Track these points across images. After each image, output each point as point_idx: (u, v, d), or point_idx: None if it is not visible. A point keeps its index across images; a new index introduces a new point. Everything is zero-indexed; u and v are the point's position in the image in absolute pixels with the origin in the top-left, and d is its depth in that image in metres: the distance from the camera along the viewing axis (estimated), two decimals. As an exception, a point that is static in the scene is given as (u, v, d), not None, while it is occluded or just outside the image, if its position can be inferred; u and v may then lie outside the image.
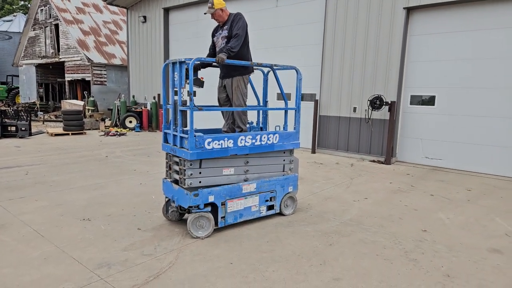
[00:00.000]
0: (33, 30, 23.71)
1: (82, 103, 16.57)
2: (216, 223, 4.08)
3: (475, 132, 7.65)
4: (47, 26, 22.45)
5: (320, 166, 8.01)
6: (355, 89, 8.96)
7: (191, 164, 3.86)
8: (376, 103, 8.39)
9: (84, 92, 20.44)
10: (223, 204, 4.11)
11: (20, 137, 11.29)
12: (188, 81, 3.90)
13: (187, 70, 3.88)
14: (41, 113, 19.95)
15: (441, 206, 5.31)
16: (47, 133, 12.57)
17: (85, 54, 19.31)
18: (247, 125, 4.94)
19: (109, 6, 23.45)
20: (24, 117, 11.99)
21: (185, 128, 4.00)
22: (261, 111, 5.23)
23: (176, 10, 13.50)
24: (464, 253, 3.74)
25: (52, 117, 18.73)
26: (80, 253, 3.51)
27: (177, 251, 3.61)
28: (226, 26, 4.56)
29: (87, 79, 19.85)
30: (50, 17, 21.98)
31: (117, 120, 14.58)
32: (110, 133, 12.68)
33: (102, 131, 13.62)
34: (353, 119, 9.06)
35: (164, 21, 13.72)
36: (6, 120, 11.55)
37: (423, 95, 8.31)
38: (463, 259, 3.60)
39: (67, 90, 21.88)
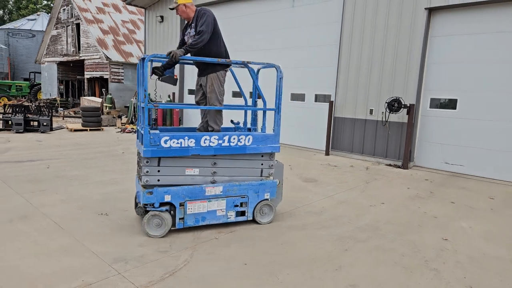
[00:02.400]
0: (56, 29, 24.27)
1: (100, 100, 16.88)
2: (174, 224, 3.95)
3: (499, 138, 7.42)
4: (68, 25, 22.95)
5: (334, 168, 7.92)
6: (372, 91, 8.83)
7: (147, 162, 3.79)
8: (394, 105, 8.25)
9: (102, 89, 20.81)
10: (182, 205, 3.94)
11: (42, 132, 11.60)
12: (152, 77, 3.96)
13: (155, 67, 4.00)
14: (61, 109, 20.42)
15: (463, 214, 5.17)
16: (67, 128, 12.84)
17: (104, 53, 19.65)
18: (226, 125, 4.74)
19: (128, 6, 23.78)
20: (46, 112, 12.29)
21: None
22: (249, 111, 4.95)
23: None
24: (487, 264, 3.62)
25: (71, 113, 19.13)
26: (98, 247, 3.56)
27: (191, 249, 3.61)
28: (193, 24, 4.33)
29: (105, 77, 20.20)
30: (72, 17, 22.46)
31: (133, 117, 14.79)
32: (126, 130, 12.86)
33: (118, 127, 13.84)
34: (369, 121, 8.93)
35: (181, 21, 13.81)
36: (29, 115, 11.87)
37: (444, 98, 8.11)
38: (486, 270, 3.49)
39: (86, 87, 22.31)
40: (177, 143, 3.85)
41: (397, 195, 5.99)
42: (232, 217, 4.24)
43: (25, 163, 7.06)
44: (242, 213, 4.31)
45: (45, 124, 11.70)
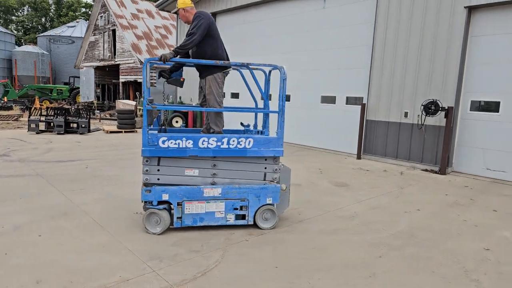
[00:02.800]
0: (93, 35, 25.40)
1: (134, 103, 17.45)
2: (172, 223, 4.03)
3: (544, 143, 6.99)
4: (105, 31, 23.95)
5: (366, 173, 7.75)
6: (407, 93, 8.56)
7: (146, 161, 3.94)
8: (431, 108, 7.96)
9: (136, 92, 21.51)
10: (179, 204, 4.00)
11: (80, 133, 12.18)
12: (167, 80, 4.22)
13: (162, 70, 4.23)
14: (98, 111, 21.29)
15: (506, 223, 4.89)
16: (103, 130, 13.38)
17: (138, 57, 20.33)
18: (229, 127, 4.69)
19: (161, 12, 24.52)
20: (84, 115, 12.88)
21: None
22: (258, 114, 4.88)
23: (224, 14, 13.79)
24: (531, 276, 3.41)
25: (107, 115, 19.91)
26: (133, 245, 3.68)
27: (222, 250, 3.65)
28: (190, 27, 4.38)
29: (138, 80, 20.88)
30: (108, 23, 23.42)
31: (165, 119, 15.18)
32: (160, 133, 13.20)
33: (152, 130, 14.21)
34: (404, 124, 8.66)
35: (212, 25, 14.06)
36: (69, 117, 12.50)
37: (485, 100, 7.73)
38: (530, 282, 3.29)
39: (121, 90, 23.17)
40: (175, 143, 3.92)
41: (434, 202, 5.76)
42: (231, 220, 4.18)
43: (66, 163, 7.42)
44: (243, 217, 4.23)
45: (83, 126, 12.27)
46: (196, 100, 14.94)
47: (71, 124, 12.45)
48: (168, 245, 3.72)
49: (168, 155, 3.93)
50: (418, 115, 8.31)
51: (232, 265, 3.35)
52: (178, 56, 4.20)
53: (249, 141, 4.11)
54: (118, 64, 22.64)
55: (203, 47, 4.32)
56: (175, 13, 15.48)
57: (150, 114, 4.21)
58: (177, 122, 14.66)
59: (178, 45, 4.19)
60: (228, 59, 4.51)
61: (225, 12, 13.60)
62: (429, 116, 8.06)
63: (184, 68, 4.75)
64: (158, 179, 4.00)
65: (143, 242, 3.76)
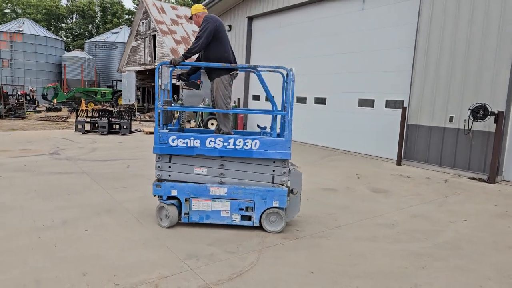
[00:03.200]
0: (135, 41, 26.50)
1: (173, 106, 17.91)
2: (180, 218, 4.18)
3: None
4: (146, 37, 24.91)
5: (407, 179, 7.46)
6: (453, 96, 8.16)
7: (159, 158, 4.14)
8: (479, 112, 7.54)
9: (174, 95, 22.13)
10: (187, 200, 4.12)
11: (122, 134, 12.74)
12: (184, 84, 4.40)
13: (181, 74, 4.61)
14: (138, 113, 22.13)
15: (561, 237, 4.53)
16: (143, 131, 13.89)
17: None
18: (235, 128, 4.73)
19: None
20: (126, 117, 13.46)
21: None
22: (277, 116, 4.82)
23: (260, 18, 13.89)
24: None
25: (146, 117, 20.65)
26: (172, 243, 3.79)
27: (258, 252, 3.66)
28: None
29: (177, 84, 21.48)
30: (149, 29, 24.35)
31: (201, 122, 15.51)
32: (196, 135, 13.51)
33: (189, 132, 14.57)
34: (449, 129, 8.26)
35: (248, 29, 14.22)
36: (112, 119, 13.10)
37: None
38: None
39: (160, 94, 23.94)
40: (183, 142, 4.07)
41: (482, 212, 5.44)
42: (237, 220, 4.21)
43: (109, 162, 7.79)
44: (249, 218, 4.23)
45: (125, 127, 12.82)
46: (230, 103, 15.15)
47: (114, 125, 13.06)
48: (205, 244, 3.78)
49: (177, 153, 4.12)
50: (465, 120, 7.89)
51: (267, 267, 3.35)
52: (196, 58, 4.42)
53: (256, 143, 4.11)
54: (158, 68, 23.45)
55: (210, 50, 4.43)
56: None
57: (166, 115, 4.44)
58: (212, 124, 14.92)
59: (186, 49, 4.38)
60: (235, 62, 4.59)
61: (261, 16, 13.71)
62: (477, 121, 7.64)
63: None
64: (169, 175, 4.18)
65: (181, 240, 3.85)
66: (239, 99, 14.74)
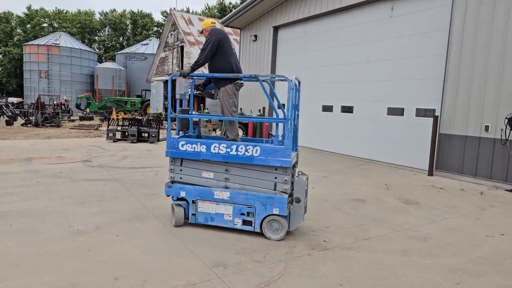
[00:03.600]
0: (164, 52, 27.29)
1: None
2: (188, 218, 4.44)
3: None
4: (174, 48, 25.61)
5: (440, 191, 7.20)
6: (488, 105, 7.85)
7: (171, 161, 4.47)
8: (516, 122, 7.22)
9: (200, 104, 22.52)
10: (194, 202, 4.35)
11: (151, 142, 13.06)
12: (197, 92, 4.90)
13: (198, 84, 4.96)
14: (166, 122, 22.64)
15: None
16: (171, 140, 14.16)
17: (202, 72, 21.35)
18: (241, 135, 4.91)
19: (225, 28, 25.55)
20: (154, 125, 13.79)
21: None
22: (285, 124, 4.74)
23: (285, 27, 13.98)
24: None
25: (173, 126, 21.06)
26: (200, 250, 3.82)
27: (285, 262, 3.62)
28: None
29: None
30: (177, 40, 25.03)
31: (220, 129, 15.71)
32: (222, 143, 13.66)
33: (215, 141, 14.75)
34: (484, 139, 7.93)
35: (273, 39, 14.33)
36: (141, 127, 13.46)
37: None
38: None
39: (186, 103, 24.43)
40: (191, 147, 4.34)
41: (521, 226, 5.17)
42: (238, 224, 4.30)
43: (139, 169, 7.99)
44: (251, 223, 4.28)
45: (153, 135, 13.15)
46: (256, 111, 15.25)
47: (143, 134, 13.42)
48: (232, 253, 3.79)
49: (186, 157, 4.39)
50: (502, 129, 7.56)
51: (295, 278, 3.31)
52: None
53: (256, 150, 4.18)
54: (186, 78, 23.97)
55: (214, 61, 4.67)
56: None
57: (181, 122, 4.69)
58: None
59: (193, 62, 4.65)
60: (240, 72, 4.78)
61: (286, 25, 13.81)
62: (514, 130, 7.31)
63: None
64: (181, 178, 4.48)
65: (209, 248, 3.88)
66: (264, 108, 14.81)
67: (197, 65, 4.58)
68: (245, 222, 4.30)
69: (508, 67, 7.51)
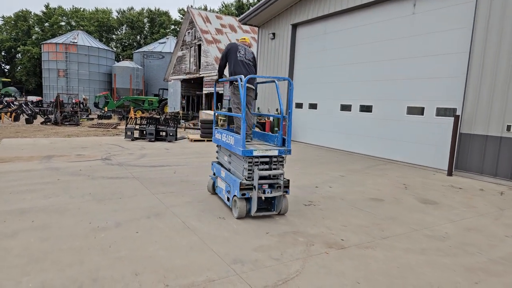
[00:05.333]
0: (181, 50, 27.51)
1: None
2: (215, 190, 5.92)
3: None
4: (192, 46, 25.78)
5: (459, 191, 7.08)
6: (511, 104, 7.66)
7: (217, 146, 5.94)
8: (538, 121, 7.02)
9: (218, 103, 22.66)
10: (217, 177, 5.78)
11: (168, 141, 13.21)
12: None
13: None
14: (183, 121, 22.88)
15: None
16: (188, 138, 14.34)
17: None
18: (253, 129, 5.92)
19: (242, 26, 25.63)
20: (172, 124, 13.95)
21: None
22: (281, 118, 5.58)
23: (304, 25, 13.90)
24: None
25: (191, 125, 21.29)
26: (218, 247, 3.89)
27: (302, 260, 3.65)
28: None
29: (220, 92, 21.98)
30: (195, 39, 25.18)
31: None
32: (239, 142, 13.70)
33: (231, 139, 14.83)
34: (506, 139, 7.75)
35: (292, 37, 14.27)
36: (158, 126, 13.64)
37: None
38: None
39: (203, 101, 24.62)
40: (219, 136, 5.63)
41: (543, 227, 5.04)
42: (225, 199, 5.30)
43: (157, 168, 8.12)
44: (229, 200, 5.17)
45: (171, 134, 13.30)
46: (273, 110, 15.26)
47: (161, 133, 13.58)
48: (249, 250, 3.84)
49: (218, 143, 5.78)
50: (523, 129, 7.38)
51: (312, 276, 3.33)
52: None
53: (232, 139, 5.05)
54: (202, 77, 24.15)
55: (228, 68, 5.74)
56: (255, 26, 16.10)
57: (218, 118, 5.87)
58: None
59: None
60: (246, 74, 5.47)
61: (305, 23, 13.73)
62: (537, 129, 7.11)
63: (258, 85, 6.18)
64: (217, 158, 6.02)
65: (226, 245, 3.94)
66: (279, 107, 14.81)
67: (218, 73, 5.98)
68: (228, 199, 5.17)
69: (532, 64, 7.30)
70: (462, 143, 8.53)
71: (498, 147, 7.87)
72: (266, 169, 4.87)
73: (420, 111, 9.70)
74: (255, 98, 5.93)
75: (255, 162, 4.78)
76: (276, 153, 4.83)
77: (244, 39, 6.04)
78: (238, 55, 5.63)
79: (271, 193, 4.78)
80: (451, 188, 7.27)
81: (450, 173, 8.60)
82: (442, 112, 9.18)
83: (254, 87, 5.73)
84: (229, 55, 5.66)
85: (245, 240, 4.09)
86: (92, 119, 23.46)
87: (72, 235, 4.08)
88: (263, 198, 4.79)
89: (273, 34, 15.11)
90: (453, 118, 8.67)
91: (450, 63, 8.92)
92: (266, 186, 4.88)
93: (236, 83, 5.51)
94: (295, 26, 14.24)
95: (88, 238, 4.01)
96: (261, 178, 4.78)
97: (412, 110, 9.92)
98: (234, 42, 5.96)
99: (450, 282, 3.34)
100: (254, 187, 4.72)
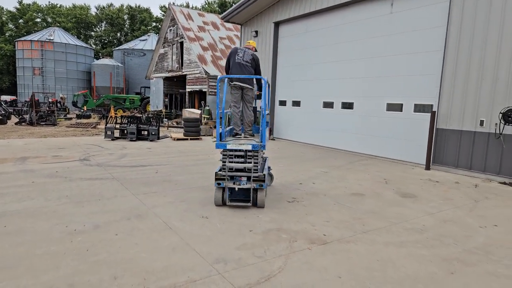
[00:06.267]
0: (163, 48, 27.16)
1: (199, 111, 18.28)
2: None
3: None
4: (174, 44, 25.48)
5: (436, 184, 7.28)
6: (483, 100, 7.91)
7: None
8: (510, 116, 7.28)
9: (201, 101, 22.51)
10: None
11: (150, 140, 13.02)
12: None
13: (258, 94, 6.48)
14: (166, 120, 22.64)
15: None
16: (171, 137, 14.20)
17: (203, 68, 21.30)
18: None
19: (225, 24, 25.47)
20: (154, 123, 13.75)
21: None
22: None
23: (286, 23, 13.94)
24: None
25: (174, 123, 21.08)
26: (200, 247, 3.86)
27: (285, 257, 3.68)
28: None
29: (203, 90, 21.84)
30: (177, 36, 24.90)
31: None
32: (222, 140, 13.66)
33: (214, 137, 14.77)
34: (479, 133, 8.00)
35: (274, 35, 14.28)
36: (140, 125, 13.42)
37: None
38: None
39: (187, 100, 24.41)
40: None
41: (515, 218, 5.25)
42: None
43: (138, 168, 8.00)
44: None
45: (153, 133, 13.11)
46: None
47: (142, 132, 13.37)
48: (233, 248, 3.84)
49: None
50: (496, 124, 7.63)
51: (295, 272, 3.37)
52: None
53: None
54: (185, 75, 23.92)
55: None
56: (237, 24, 16.03)
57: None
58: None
59: None
60: (233, 76, 5.91)
61: (287, 21, 13.77)
62: (508, 124, 7.38)
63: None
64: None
65: (209, 244, 3.93)
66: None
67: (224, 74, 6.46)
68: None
69: (504, 63, 7.56)
70: (439, 138, 8.76)
71: (472, 141, 8.13)
72: (241, 162, 5.17)
73: (399, 107, 9.90)
74: (259, 98, 6.36)
75: (229, 155, 5.18)
76: (250, 147, 5.10)
77: (249, 42, 6.53)
78: (236, 58, 6.09)
79: (245, 184, 5.13)
80: (429, 182, 7.47)
81: (428, 167, 8.83)
82: (419, 108, 9.39)
83: (251, 87, 6.14)
84: (230, 58, 6.16)
85: (229, 239, 4.09)
86: (71, 118, 22.90)
87: (47, 239, 3.95)
88: (236, 189, 5.19)
89: (256, 32, 15.09)
90: (430, 114, 8.88)
91: (426, 61, 9.14)
92: (244, 179, 5.19)
93: (231, 83, 6.07)
94: (277, 24, 14.26)
95: (64, 242, 3.88)
96: (236, 170, 5.16)
97: (391, 107, 10.12)
98: (237, 46, 6.72)
99: (428, 273, 3.44)
100: (226, 177, 5.10)
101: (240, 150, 5.17)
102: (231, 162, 5.21)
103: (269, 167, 6.37)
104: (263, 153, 6.23)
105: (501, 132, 7.56)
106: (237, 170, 5.16)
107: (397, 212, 5.32)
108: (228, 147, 5.11)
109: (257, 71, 6.25)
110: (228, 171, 5.16)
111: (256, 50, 6.59)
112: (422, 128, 9.20)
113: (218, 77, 5.84)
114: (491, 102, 7.77)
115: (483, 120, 7.91)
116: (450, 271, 3.48)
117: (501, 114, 7.47)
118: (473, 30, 8.06)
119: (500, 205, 5.88)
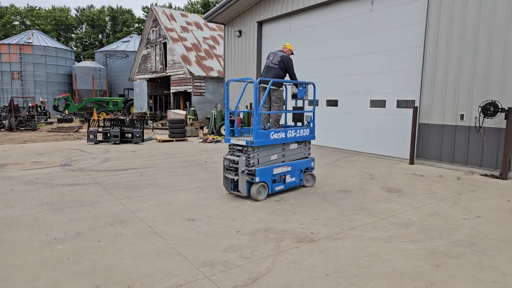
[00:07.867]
0: (146, 49, 26.82)
1: (184, 112, 18.12)
2: None
3: None
4: (157, 45, 25.19)
5: (420, 178, 7.38)
6: (463, 94, 8.06)
7: None
8: (489, 109, 7.43)
9: (186, 102, 22.32)
10: None
11: (135, 143, 12.81)
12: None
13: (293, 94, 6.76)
14: (151, 121, 22.36)
15: None
16: (156, 139, 14.02)
17: (187, 68, 21.10)
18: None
19: (209, 24, 25.33)
20: (138, 125, 13.55)
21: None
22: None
23: (269, 22, 13.92)
24: None
25: (159, 125, 20.85)
26: (187, 251, 3.79)
27: (273, 257, 3.66)
28: None
29: (188, 90, 21.66)
30: (160, 37, 24.62)
31: (214, 128, 15.56)
32: (208, 140, 13.59)
33: (200, 138, 14.67)
34: (460, 127, 8.15)
35: (258, 34, 14.25)
36: (124, 128, 13.19)
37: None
38: None
39: (172, 101, 24.17)
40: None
41: (496, 208, 5.35)
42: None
43: (122, 172, 7.85)
44: None
45: (137, 136, 12.90)
46: (243, 108, 15.19)
47: (126, 134, 13.12)
48: (220, 251, 3.79)
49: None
50: (476, 117, 7.78)
51: (283, 272, 3.35)
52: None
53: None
54: (169, 76, 23.67)
55: None
56: (221, 24, 15.94)
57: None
58: (224, 130, 15.02)
59: None
60: (265, 77, 6.27)
61: (270, 20, 13.75)
62: (487, 118, 7.53)
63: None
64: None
65: (196, 248, 3.87)
66: (251, 104, 14.78)
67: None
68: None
69: (480, 58, 7.72)
70: (422, 133, 8.89)
71: (454, 135, 8.27)
72: (239, 156, 5.69)
73: (382, 103, 10.01)
74: (294, 97, 6.68)
75: (232, 148, 5.89)
76: (244, 143, 5.58)
77: (285, 46, 6.79)
78: (267, 61, 6.54)
79: (235, 175, 5.64)
80: (414, 176, 7.57)
81: (412, 162, 8.95)
82: (402, 104, 9.51)
83: (275, 87, 6.40)
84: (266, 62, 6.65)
85: (216, 241, 4.04)
86: (52, 123, 22.41)
87: (26, 249, 3.81)
88: (235, 179, 5.70)
89: (240, 31, 15.03)
90: (412, 109, 9.00)
91: (408, 58, 9.25)
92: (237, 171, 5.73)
93: (262, 85, 6.41)
94: (260, 24, 14.23)
95: (44, 251, 3.75)
96: (232, 162, 5.75)
97: (375, 103, 10.21)
98: (273, 50, 7.01)
99: (414, 266, 3.46)
100: (225, 168, 5.84)
101: (238, 145, 5.75)
102: (232, 155, 5.85)
103: (312, 168, 6.62)
104: (309, 154, 6.71)
105: (481, 125, 7.71)
106: (233, 162, 5.73)
107: (383, 207, 5.36)
108: (232, 141, 5.79)
109: (288, 71, 6.51)
110: (231, 164, 5.77)
111: (292, 53, 6.83)
112: (405, 124, 9.31)
113: (226, 81, 6.04)
114: (470, 96, 7.92)
115: (463, 114, 8.06)
116: (436, 264, 3.52)
117: (480, 108, 7.61)
118: (451, 26, 8.20)
119: (482, 197, 5.99)
